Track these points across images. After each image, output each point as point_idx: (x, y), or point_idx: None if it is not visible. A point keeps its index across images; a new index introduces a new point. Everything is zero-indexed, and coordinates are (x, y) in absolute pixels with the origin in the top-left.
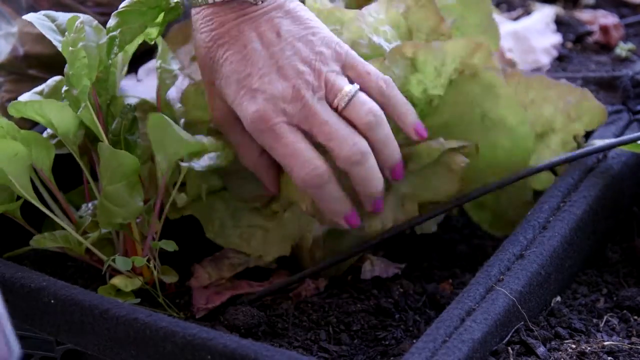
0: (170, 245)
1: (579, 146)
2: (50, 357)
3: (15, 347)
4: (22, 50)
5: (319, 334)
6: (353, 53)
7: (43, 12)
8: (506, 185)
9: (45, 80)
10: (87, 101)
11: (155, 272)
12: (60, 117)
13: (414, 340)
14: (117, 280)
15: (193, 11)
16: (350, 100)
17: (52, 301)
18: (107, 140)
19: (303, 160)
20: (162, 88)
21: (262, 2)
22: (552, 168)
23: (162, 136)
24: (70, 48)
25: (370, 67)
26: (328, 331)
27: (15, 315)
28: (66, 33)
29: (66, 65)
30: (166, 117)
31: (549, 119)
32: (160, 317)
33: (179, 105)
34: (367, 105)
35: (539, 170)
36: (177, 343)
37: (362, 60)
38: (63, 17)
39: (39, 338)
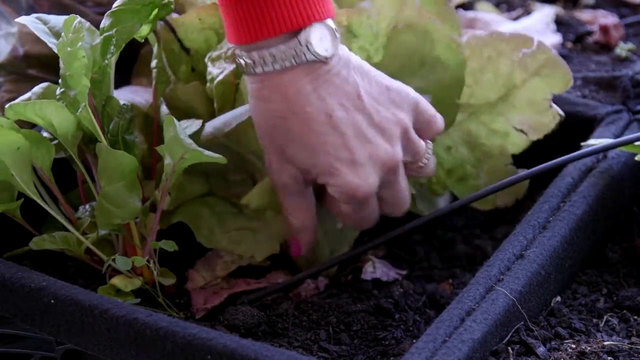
0: (169, 245)
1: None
2: (50, 357)
3: None
4: (22, 50)
5: (319, 334)
6: (418, 97)
7: (35, 15)
8: (504, 188)
9: (45, 80)
10: (86, 101)
11: (155, 272)
12: (60, 118)
13: (414, 340)
14: (117, 280)
15: (250, 78)
16: (426, 162)
17: (52, 301)
18: (105, 140)
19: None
20: (158, 88)
21: (332, 59)
22: (553, 168)
23: (171, 140)
24: (69, 48)
25: (431, 110)
26: (328, 331)
27: (16, 315)
28: (62, 34)
29: (62, 67)
30: (176, 122)
31: (508, 73)
32: (160, 317)
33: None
34: (431, 166)
35: (539, 172)
36: (177, 343)
37: (426, 104)
38: (56, 19)
39: (39, 338)
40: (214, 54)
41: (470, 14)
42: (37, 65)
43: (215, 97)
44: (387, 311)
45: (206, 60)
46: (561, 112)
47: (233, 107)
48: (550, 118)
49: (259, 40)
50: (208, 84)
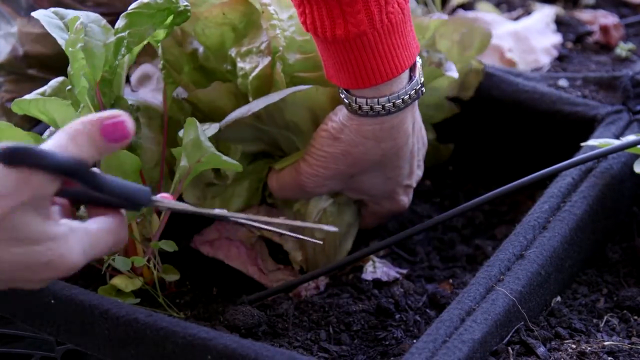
0: (169, 246)
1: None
2: (51, 357)
3: None
4: (21, 50)
5: (319, 334)
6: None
7: (52, 9)
8: (508, 193)
9: (44, 80)
10: (86, 102)
11: (155, 272)
12: (63, 116)
13: (414, 341)
14: (117, 281)
15: (368, 120)
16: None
17: (52, 301)
18: None
19: None
20: (167, 90)
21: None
22: (556, 173)
23: (191, 142)
24: (70, 49)
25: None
26: (328, 331)
27: (16, 315)
28: (69, 32)
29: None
30: (198, 124)
31: (445, 50)
32: (160, 317)
33: None
34: None
35: (542, 176)
36: (177, 343)
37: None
38: (74, 14)
39: (39, 338)
40: (243, 49)
41: (470, 14)
42: (37, 65)
43: (250, 92)
44: (388, 311)
45: (233, 55)
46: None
47: None
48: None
49: (384, 82)
50: (240, 80)
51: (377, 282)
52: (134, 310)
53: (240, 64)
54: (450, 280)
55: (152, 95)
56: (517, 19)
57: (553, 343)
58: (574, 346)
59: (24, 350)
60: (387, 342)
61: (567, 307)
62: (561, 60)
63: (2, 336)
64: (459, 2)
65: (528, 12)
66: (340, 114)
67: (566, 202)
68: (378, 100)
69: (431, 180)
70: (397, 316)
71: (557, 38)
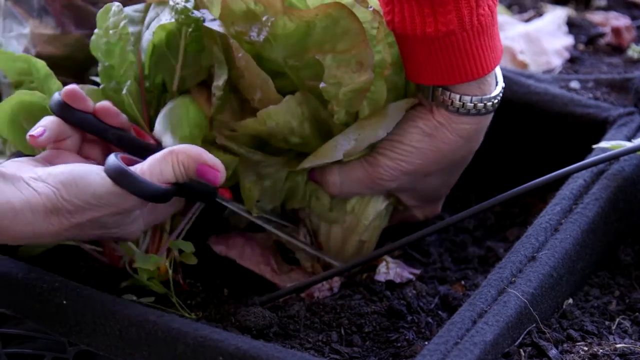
0: (187, 247)
1: None
2: (63, 358)
3: None
4: (33, 52)
5: (330, 336)
6: None
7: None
8: (520, 195)
9: None
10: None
11: (170, 272)
12: None
13: (426, 342)
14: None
15: (467, 119)
16: None
17: (65, 302)
18: (148, 132)
19: None
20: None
21: None
22: (567, 176)
23: None
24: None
25: None
26: (340, 333)
27: (28, 316)
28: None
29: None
30: None
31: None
32: (172, 318)
33: None
34: None
35: (554, 178)
36: (188, 344)
37: None
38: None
39: (51, 339)
40: (338, 56)
41: None
42: (49, 66)
43: (340, 102)
44: (400, 313)
45: (321, 59)
46: None
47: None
48: None
49: (475, 79)
50: (327, 87)
51: (389, 284)
52: (146, 311)
53: (331, 71)
54: (462, 282)
55: None
56: (528, 20)
57: (565, 345)
58: (585, 348)
59: (36, 351)
60: (398, 344)
61: (579, 310)
62: (573, 62)
63: (14, 337)
64: None
65: (540, 14)
66: (434, 113)
67: (578, 204)
68: (481, 98)
69: None
70: (409, 318)
71: (568, 40)
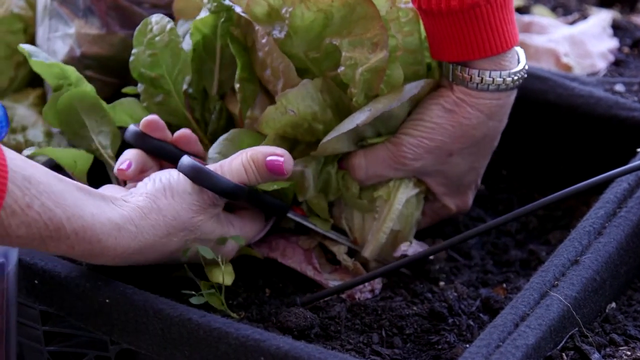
0: (206, 252)
1: None
2: (104, 357)
3: None
4: (79, 51)
5: (371, 337)
6: None
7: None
8: (563, 198)
9: (101, 81)
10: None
11: (222, 272)
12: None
13: (467, 345)
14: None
15: (491, 94)
16: None
17: (107, 301)
18: (205, 139)
19: None
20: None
21: None
22: (611, 179)
23: None
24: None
25: None
26: (381, 334)
27: (71, 315)
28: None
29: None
30: None
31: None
32: (214, 318)
33: None
34: None
35: (598, 182)
36: (230, 344)
37: None
38: None
39: (93, 337)
40: (353, 38)
41: (526, 18)
42: (94, 66)
43: (358, 83)
44: (441, 315)
45: (337, 43)
46: None
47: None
48: None
49: (498, 54)
50: (345, 69)
51: (430, 286)
52: (188, 311)
53: (348, 53)
54: (504, 285)
55: None
56: (573, 23)
57: (608, 350)
58: (628, 353)
59: (77, 349)
60: (439, 346)
61: (622, 314)
62: (618, 65)
63: (56, 335)
64: (516, 6)
65: (584, 17)
66: (454, 90)
67: (622, 208)
68: (500, 73)
69: (485, 184)
70: (450, 320)
71: (613, 42)
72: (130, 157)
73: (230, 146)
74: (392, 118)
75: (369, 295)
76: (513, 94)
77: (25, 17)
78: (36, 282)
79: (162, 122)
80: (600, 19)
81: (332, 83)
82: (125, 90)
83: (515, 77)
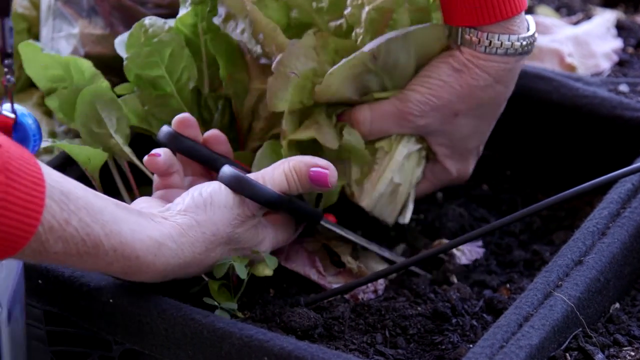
0: (273, 262)
1: None
2: (108, 357)
3: None
4: (82, 51)
5: (375, 338)
6: None
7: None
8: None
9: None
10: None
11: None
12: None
13: (471, 345)
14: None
15: (503, 58)
16: None
17: (111, 301)
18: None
19: None
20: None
21: None
22: (615, 180)
23: None
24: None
25: None
26: (384, 334)
27: (75, 315)
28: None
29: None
30: None
31: None
32: (217, 317)
33: None
34: None
35: (602, 183)
36: (234, 344)
37: None
38: None
39: (97, 337)
40: None
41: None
42: (98, 66)
43: (364, 23)
44: (444, 315)
45: None
46: None
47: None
48: None
49: (508, 19)
50: (351, 10)
51: (433, 287)
52: (192, 311)
53: None
54: (508, 286)
55: None
56: (577, 23)
57: (611, 350)
58: (632, 353)
59: (82, 349)
60: (443, 347)
61: (626, 314)
62: (622, 65)
63: (61, 334)
64: None
65: (588, 17)
66: (463, 52)
67: (626, 208)
68: (509, 37)
69: (489, 184)
70: (454, 320)
71: (617, 43)
72: (159, 150)
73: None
74: (397, 68)
75: (372, 296)
76: (522, 60)
77: (29, 17)
78: (40, 282)
79: (194, 119)
80: (604, 19)
81: (328, 38)
82: (119, 89)
83: (524, 43)
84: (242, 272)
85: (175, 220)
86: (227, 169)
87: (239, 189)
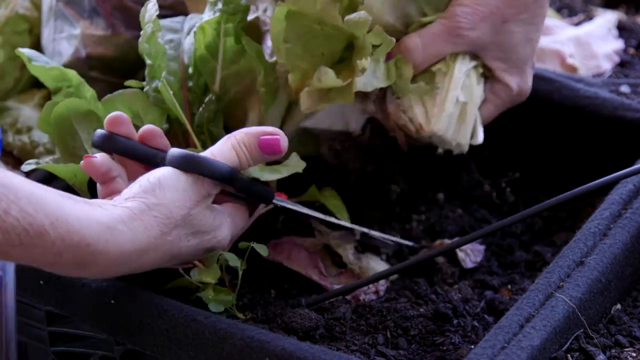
0: (263, 250)
1: None
2: (110, 357)
3: None
4: (84, 52)
5: (376, 338)
6: None
7: None
8: (569, 200)
9: (106, 82)
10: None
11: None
12: (146, 109)
13: (472, 346)
14: (199, 275)
15: None
16: None
17: (112, 301)
18: (192, 131)
19: None
20: None
21: None
22: (617, 181)
23: None
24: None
25: None
26: (386, 335)
27: (76, 315)
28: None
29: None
30: None
31: None
32: (219, 318)
33: None
34: None
35: (604, 184)
36: (235, 345)
37: None
38: None
39: (98, 338)
40: None
41: None
42: (99, 67)
43: None
44: (446, 316)
45: None
46: None
47: None
48: None
49: None
50: None
51: (435, 288)
52: (193, 311)
53: None
54: (509, 286)
55: None
56: (578, 24)
57: (613, 351)
58: (634, 354)
59: (83, 349)
60: (444, 347)
61: (628, 315)
62: (623, 66)
63: (62, 335)
64: None
65: (590, 18)
66: None
67: (627, 209)
68: None
69: (491, 185)
70: (455, 321)
71: (619, 44)
72: (96, 154)
73: None
74: None
75: (374, 297)
76: None
77: (30, 18)
78: (42, 282)
79: (125, 116)
80: (606, 20)
81: None
82: (128, 83)
83: None
84: (234, 261)
85: (125, 206)
86: (174, 151)
87: (190, 167)
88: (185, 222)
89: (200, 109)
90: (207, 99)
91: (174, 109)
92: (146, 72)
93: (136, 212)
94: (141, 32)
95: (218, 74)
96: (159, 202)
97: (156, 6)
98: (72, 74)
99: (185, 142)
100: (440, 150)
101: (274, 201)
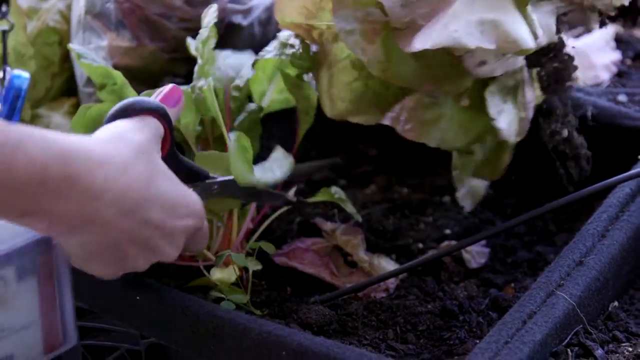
0: (270, 248)
1: None
2: (136, 351)
3: (72, 336)
4: (111, 63)
5: (387, 333)
6: None
7: None
8: (569, 203)
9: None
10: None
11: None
12: (187, 120)
13: (477, 341)
14: (218, 274)
15: None
16: None
17: (138, 298)
18: (226, 134)
19: None
20: None
21: None
22: (614, 185)
23: None
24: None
25: None
26: (396, 330)
27: (105, 311)
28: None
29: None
30: None
31: None
32: (238, 314)
33: None
34: None
35: (602, 187)
36: (254, 339)
37: None
38: None
39: (125, 332)
40: None
41: None
42: (125, 76)
43: None
44: (452, 313)
45: None
46: None
47: None
48: None
49: None
50: None
51: (442, 286)
52: (214, 308)
53: None
54: (512, 285)
55: None
56: (578, 37)
57: (610, 346)
58: (630, 349)
59: (110, 342)
60: (451, 342)
61: (625, 312)
62: (620, 76)
63: (90, 329)
64: None
65: (589, 30)
66: None
67: (624, 212)
68: None
69: (494, 189)
70: (461, 317)
71: (616, 55)
72: None
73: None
74: None
75: (384, 294)
76: None
77: (60, 30)
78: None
79: None
80: (604, 33)
81: None
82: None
83: None
84: (269, 248)
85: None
86: (110, 110)
87: (127, 111)
88: (150, 162)
89: (242, 116)
90: (251, 107)
91: (212, 109)
92: (195, 69)
93: (102, 139)
94: (200, 32)
95: (268, 97)
96: (116, 147)
97: (216, 12)
98: (117, 74)
99: (214, 148)
100: None
101: (209, 181)
